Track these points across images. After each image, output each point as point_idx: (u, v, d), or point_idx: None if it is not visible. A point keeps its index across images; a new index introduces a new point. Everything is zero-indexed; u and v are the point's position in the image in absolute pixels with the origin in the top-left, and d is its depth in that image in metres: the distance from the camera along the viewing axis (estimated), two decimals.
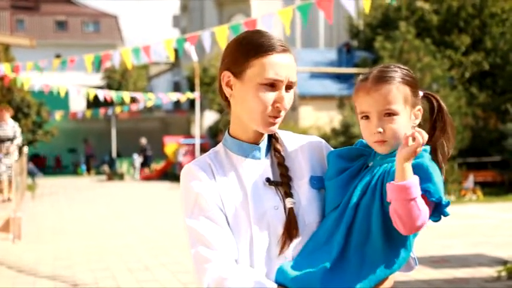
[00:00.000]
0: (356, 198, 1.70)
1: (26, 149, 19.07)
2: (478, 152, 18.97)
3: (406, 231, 1.62)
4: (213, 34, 7.48)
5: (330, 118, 21.53)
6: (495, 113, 19.70)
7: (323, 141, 1.94)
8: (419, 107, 1.78)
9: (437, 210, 1.66)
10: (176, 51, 8.32)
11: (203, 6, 40.26)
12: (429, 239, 9.30)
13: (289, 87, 1.77)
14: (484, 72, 20.50)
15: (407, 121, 1.73)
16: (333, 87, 23.58)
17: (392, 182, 1.61)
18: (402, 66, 1.79)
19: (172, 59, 9.07)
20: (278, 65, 1.73)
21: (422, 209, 1.60)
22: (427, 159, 1.68)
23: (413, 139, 1.62)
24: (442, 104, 1.81)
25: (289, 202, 1.76)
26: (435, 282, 6.61)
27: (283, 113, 1.77)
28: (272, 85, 1.74)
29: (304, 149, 1.88)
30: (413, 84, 1.77)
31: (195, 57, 19.16)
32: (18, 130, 12.05)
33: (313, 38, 36.91)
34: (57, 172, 32.40)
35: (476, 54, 20.46)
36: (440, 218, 1.68)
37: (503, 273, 6.69)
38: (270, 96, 1.74)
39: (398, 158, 1.62)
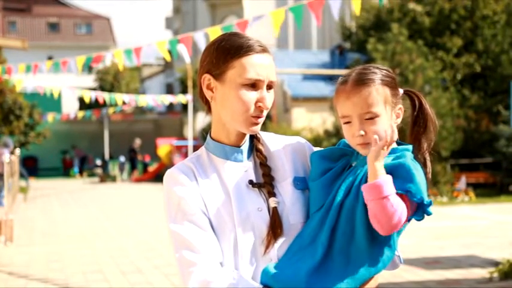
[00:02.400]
0: (339, 199, 1.71)
1: (18, 151, 18.98)
2: (470, 154, 19.05)
3: (384, 231, 1.62)
4: (206, 35, 7.45)
5: (323, 120, 21.56)
6: (487, 115, 19.77)
7: (305, 141, 1.94)
8: (400, 106, 1.78)
9: (421, 210, 1.67)
10: (170, 52, 8.31)
11: (196, 8, 40.26)
12: (422, 240, 9.32)
13: (269, 87, 1.77)
14: (476, 74, 20.58)
15: (388, 122, 1.73)
16: (325, 89, 23.60)
17: (365, 183, 1.63)
18: (381, 67, 1.79)
19: (168, 59, 9.04)
20: (258, 64, 1.74)
21: (397, 207, 1.60)
22: (409, 159, 1.68)
23: (380, 138, 1.64)
24: (423, 100, 1.81)
25: (272, 202, 1.76)
26: (427, 283, 6.62)
27: (265, 113, 1.77)
28: (253, 85, 1.74)
29: (286, 150, 1.88)
30: (392, 84, 1.77)
31: (187, 58, 19.16)
32: None
33: (306, 39, 36.94)
34: (50, 174, 32.26)
35: (468, 56, 20.54)
36: (423, 217, 1.69)
37: (495, 275, 6.71)
38: (252, 96, 1.74)
39: (368, 159, 1.64)
